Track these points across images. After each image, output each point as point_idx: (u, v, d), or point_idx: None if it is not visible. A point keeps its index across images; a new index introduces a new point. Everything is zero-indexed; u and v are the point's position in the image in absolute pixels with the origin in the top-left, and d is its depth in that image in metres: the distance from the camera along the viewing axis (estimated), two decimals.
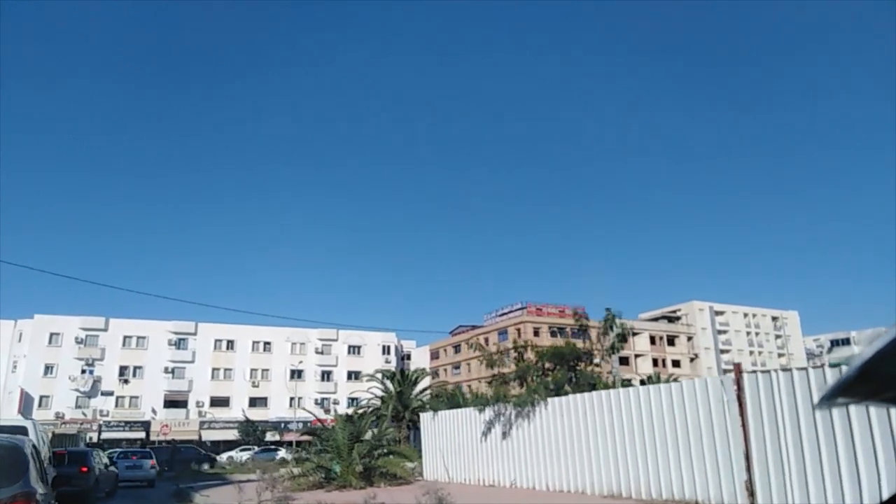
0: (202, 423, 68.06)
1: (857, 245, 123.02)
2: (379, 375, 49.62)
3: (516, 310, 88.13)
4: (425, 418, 19.34)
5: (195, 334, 71.70)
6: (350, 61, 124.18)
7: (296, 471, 17.62)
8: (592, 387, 13.71)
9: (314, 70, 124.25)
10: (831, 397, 0.86)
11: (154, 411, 66.47)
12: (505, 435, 15.15)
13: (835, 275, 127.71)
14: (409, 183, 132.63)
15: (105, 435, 63.73)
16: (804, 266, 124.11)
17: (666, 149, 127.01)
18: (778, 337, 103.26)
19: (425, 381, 49.61)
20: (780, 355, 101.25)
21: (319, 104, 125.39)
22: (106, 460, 22.81)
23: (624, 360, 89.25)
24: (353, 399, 74.91)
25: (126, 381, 67.55)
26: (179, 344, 70.97)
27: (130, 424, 65.83)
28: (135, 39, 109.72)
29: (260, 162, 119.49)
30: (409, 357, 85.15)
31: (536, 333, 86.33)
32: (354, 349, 78.63)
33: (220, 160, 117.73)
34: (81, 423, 63.40)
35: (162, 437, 56.26)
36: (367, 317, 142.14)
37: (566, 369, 14.60)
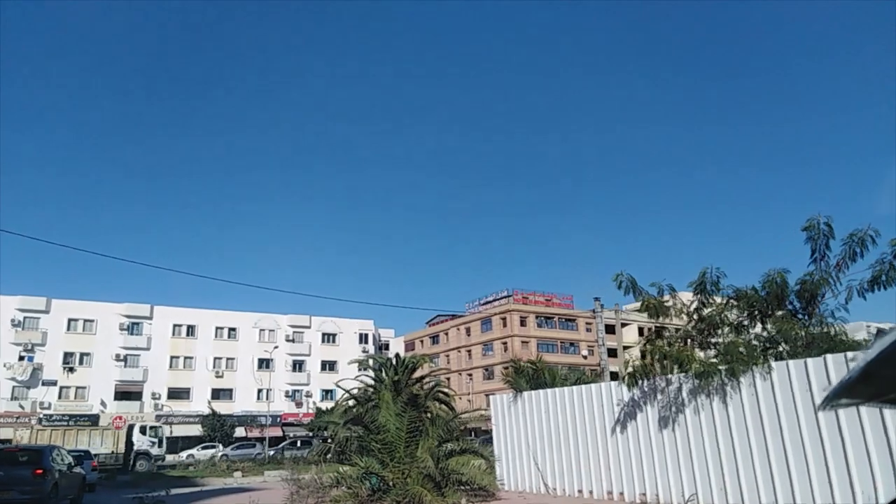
0: (159, 417, 60.75)
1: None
2: (370, 361, 44.05)
3: (502, 297, 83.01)
4: (500, 403, 13.78)
5: (151, 318, 64.30)
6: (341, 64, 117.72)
7: (326, 478, 11.82)
8: (827, 348, 8.48)
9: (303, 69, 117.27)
10: (834, 398, 0.86)
11: (103, 404, 58.92)
12: (667, 422, 9.80)
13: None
14: (389, 174, 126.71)
15: (46, 430, 56.06)
16: (783, 258, 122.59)
17: (656, 143, 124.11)
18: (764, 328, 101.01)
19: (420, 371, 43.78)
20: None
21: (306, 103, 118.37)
22: (70, 459, 18.27)
23: (612, 353, 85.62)
24: (327, 391, 68.83)
25: (71, 370, 59.78)
26: (133, 329, 63.48)
27: (76, 418, 58.05)
28: (134, 42, 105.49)
29: (238, 158, 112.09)
30: (387, 346, 79.25)
31: (523, 323, 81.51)
32: (329, 337, 72.27)
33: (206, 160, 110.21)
34: (18, 417, 55.70)
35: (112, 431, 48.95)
36: (343, 305, 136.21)
37: (780, 319, 9.31)
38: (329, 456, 11.50)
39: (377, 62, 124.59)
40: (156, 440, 40.71)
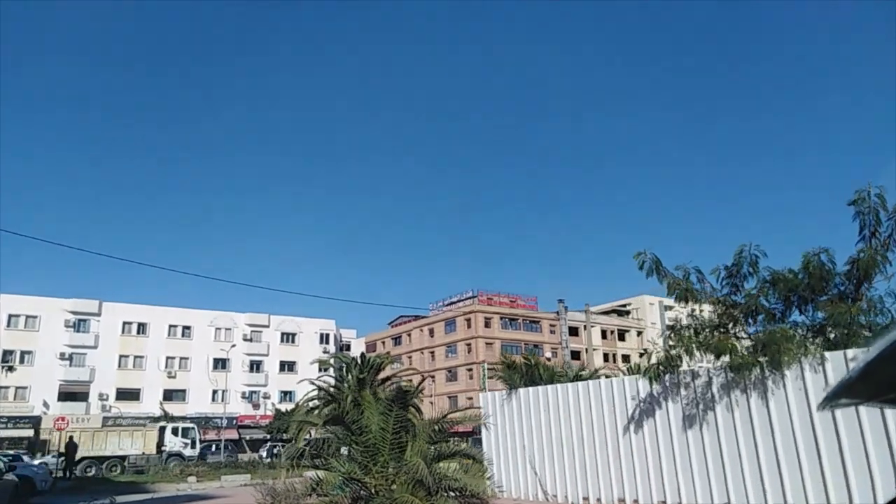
0: (106, 419, 57.53)
1: (785, 246, 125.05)
2: (333, 361, 42.40)
3: (466, 298, 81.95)
4: (491, 402, 12.52)
5: (99, 315, 60.98)
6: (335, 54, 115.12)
7: (298, 485, 10.34)
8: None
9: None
10: (834, 398, 0.87)
11: (46, 405, 55.44)
12: (693, 421, 8.69)
13: None
14: (354, 172, 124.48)
15: None
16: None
17: (615, 145, 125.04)
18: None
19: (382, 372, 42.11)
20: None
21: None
22: (1, 465, 16.84)
23: (575, 355, 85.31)
24: (286, 393, 66.47)
25: (11, 369, 55.82)
26: (79, 326, 60.06)
27: (15, 420, 54.55)
28: (141, 31, 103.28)
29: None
30: (348, 347, 77.16)
31: (488, 324, 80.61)
32: (288, 337, 69.90)
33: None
34: None
35: (55, 436, 45.84)
36: (304, 304, 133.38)
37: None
38: (303, 460, 9.99)
39: (349, 52, 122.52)
40: (188, 441, 40.23)
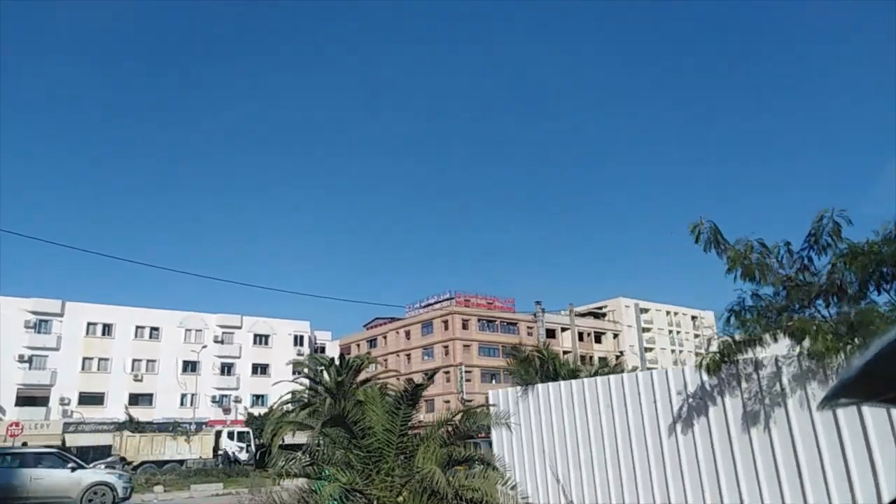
0: (67, 424, 54.70)
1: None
2: (310, 363, 40.54)
3: (444, 300, 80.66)
4: (503, 399, 11.12)
5: (61, 315, 58.10)
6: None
7: (286, 495, 8.82)
8: None
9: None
10: (833, 397, 0.88)
11: (2, 410, 52.46)
12: (757, 419, 7.34)
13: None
14: (330, 172, 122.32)
15: None
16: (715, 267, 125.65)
17: (595, 149, 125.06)
18: (696, 336, 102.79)
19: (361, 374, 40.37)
20: (697, 354, 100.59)
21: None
22: None
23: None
24: (258, 396, 64.18)
25: None
26: (40, 326, 57.13)
27: None
28: (141, 31, 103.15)
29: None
30: (323, 350, 74.99)
31: (465, 326, 79.37)
32: (261, 339, 67.63)
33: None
34: None
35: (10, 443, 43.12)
36: (277, 305, 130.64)
37: None
38: (292, 466, 8.46)
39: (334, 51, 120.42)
40: (243, 445, 40.59)
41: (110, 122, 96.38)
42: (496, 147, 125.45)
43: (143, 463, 34.32)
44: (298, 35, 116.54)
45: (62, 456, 20.13)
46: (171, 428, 56.77)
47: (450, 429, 8.92)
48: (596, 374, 11.46)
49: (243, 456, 40.21)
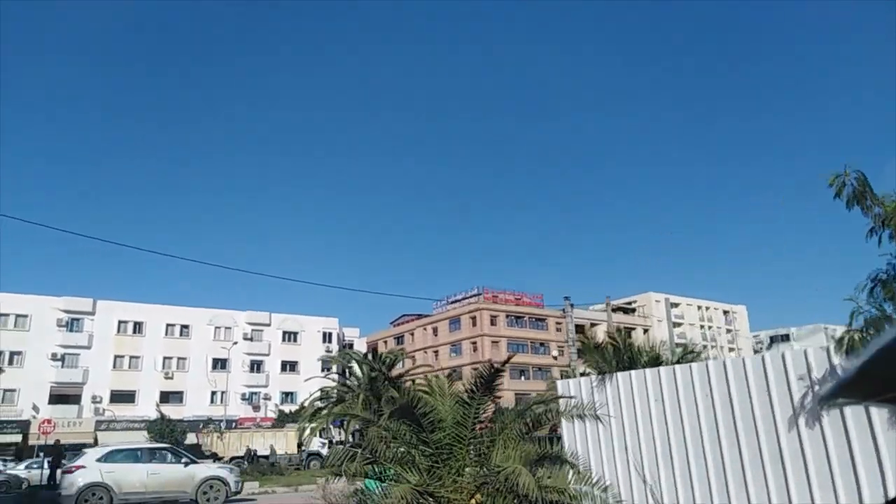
0: (99, 422, 54.78)
1: (797, 245, 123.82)
2: (342, 358, 39.74)
3: (471, 296, 79.38)
4: (575, 387, 10.00)
5: (93, 314, 58.20)
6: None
7: (341, 498, 7.80)
8: None
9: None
10: (831, 397, 0.89)
11: (36, 409, 52.61)
12: None
13: (777, 273, 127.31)
14: (360, 171, 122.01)
15: None
16: (750, 262, 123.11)
17: (628, 146, 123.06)
18: (728, 331, 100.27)
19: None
20: (730, 349, 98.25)
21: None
22: None
23: (582, 353, 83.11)
24: (288, 394, 63.75)
25: None
26: (72, 325, 57.28)
27: (2, 425, 51.79)
28: (141, 31, 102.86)
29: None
30: (351, 346, 74.43)
31: (493, 322, 78.05)
32: (290, 336, 67.16)
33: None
34: None
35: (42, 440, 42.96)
36: (306, 302, 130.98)
37: None
38: (354, 465, 7.44)
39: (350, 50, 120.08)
40: (325, 441, 40.95)
41: (111, 122, 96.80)
42: (504, 146, 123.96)
43: (232, 458, 34.92)
44: (298, 35, 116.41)
45: (175, 451, 20.40)
46: (202, 425, 56.64)
47: (528, 421, 7.81)
48: (678, 361, 10.30)
49: (327, 452, 40.71)
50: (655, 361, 10.36)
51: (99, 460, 17.32)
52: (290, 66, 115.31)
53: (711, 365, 8.28)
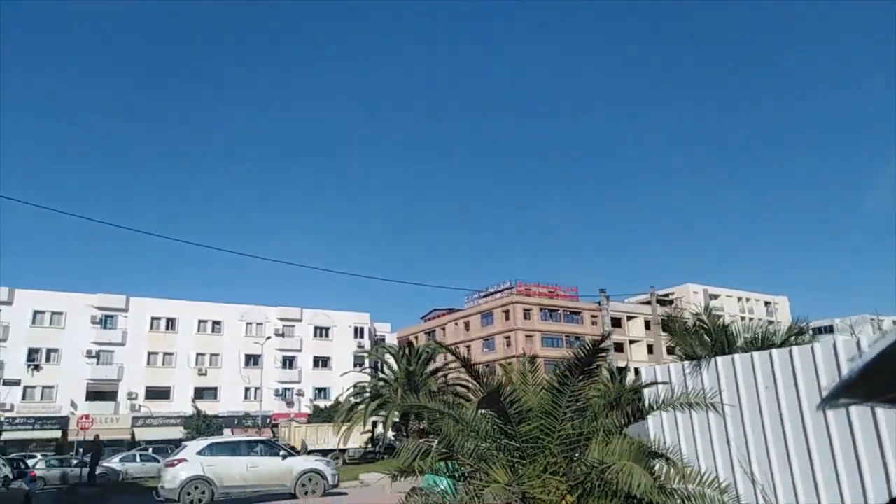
0: (136, 418, 54.98)
1: (841, 237, 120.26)
2: (377, 352, 39.06)
3: (504, 289, 78.01)
4: (662, 374, 8.86)
5: (126, 310, 58.37)
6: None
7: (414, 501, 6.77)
8: None
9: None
10: (833, 398, 0.90)
11: (74, 405, 52.92)
12: None
13: (820, 263, 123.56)
14: (387, 168, 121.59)
15: (8, 435, 50.11)
16: (792, 253, 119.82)
17: (663, 137, 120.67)
18: (770, 323, 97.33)
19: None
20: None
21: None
22: (7, 471, 13.82)
23: (618, 347, 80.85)
24: (321, 389, 63.32)
25: (37, 368, 53.73)
26: (106, 322, 57.52)
27: (42, 421, 52.24)
28: (141, 31, 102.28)
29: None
30: (383, 341, 73.79)
31: (527, 316, 76.66)
32: (321, 331, 66.68)
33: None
34: None
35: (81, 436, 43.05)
36: (337, 297, 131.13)
37: None
38: (428, 460, 6.42)
39: (368, 52, 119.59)
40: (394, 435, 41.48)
41: (110, 124, 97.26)
42: (536, 138, 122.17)
43: (309, 452, 35.46)
44: (298, 35, 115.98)
45: (273, 444, 20.25)
46: (237, 421, 56.53)
47: (629, 410, 6.70)
48: (782, 344, 9.07)
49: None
50: (759, 345, 9.16)
51: (199, 453, 17.14)
52: (291, 65, 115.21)
53: (841, 342, 7.07)
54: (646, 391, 8.63)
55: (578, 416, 6.76)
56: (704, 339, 9.86)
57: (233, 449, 17.85)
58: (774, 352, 7.78)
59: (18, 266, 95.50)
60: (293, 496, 17.66)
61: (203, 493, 16.58)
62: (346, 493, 18.71)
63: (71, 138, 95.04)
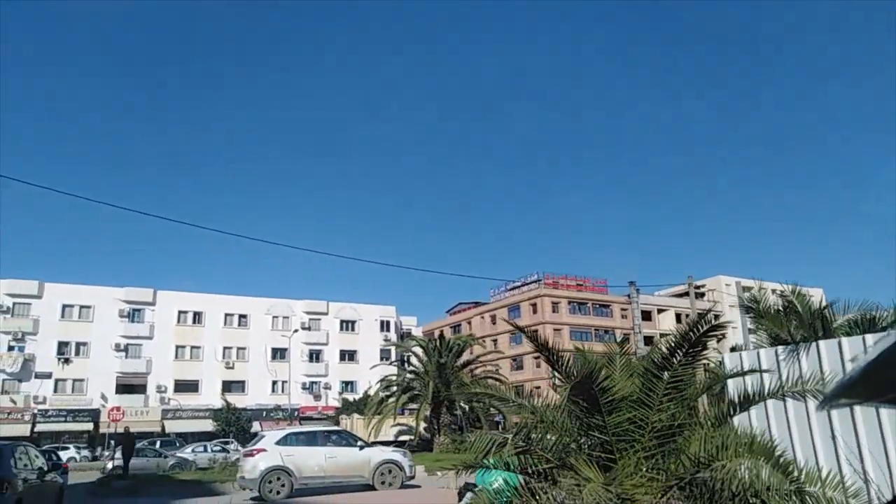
0: (166, 411, 55.10)
1: (880, 227, 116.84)
2: (410, 343, 38.48)
3: (531, 282, 76.81)
4: (749, 360, 7.94)
5: (153, 304, 58.52)
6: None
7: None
8: None
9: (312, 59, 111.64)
10: (834, 398, 0.90)
11: (104, 398, 53.22)
12: None
13: (857, 255, 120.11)
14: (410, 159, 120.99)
15: (41, 427, 50.59)
16: (827, 244, 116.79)
17: (693, 127, 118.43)
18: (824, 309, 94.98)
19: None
20: None
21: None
22: (42, 462, 13.16)
23: (648, 340, 79.50)
24: (347, 383, 62.96)
25: (67, 361, 54.10)
26: (134, 315, 57.71)
27: (74, 413, 52.62)
28: (141, 31, 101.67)
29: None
30: (409, 335, 73.33)
31: (555, 309, 75.38)
32: (348, 325, 66.26)
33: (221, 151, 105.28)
34: (10, 413, 50.21)
35: (112, 428, 43.07)
36: (362, 290, 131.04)
37: None
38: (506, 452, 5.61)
39: (382, 48, 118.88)
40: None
41: (110, 124, 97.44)
42: (559, 129, 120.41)
43: (371, 444, 35.43)
44: (298, 35, 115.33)
45: (348, 433, 19.83)
46: (265, 414, 56.41)
47: (736, 399, 5.81)
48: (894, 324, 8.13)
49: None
50: (860, 327, 8.19)
51: (277, 443, 16.77)
52: (291, 65, 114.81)
53: None
54: (730, 381, 7.74)
55: (675, 405, 5.89)
56: (789, 322, 8.94)
57: (310, 439, 17.48)
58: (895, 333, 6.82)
59: (46, 259, 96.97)
60: (371, 488, 17.06)
61: (283, 484, 16.22)
62: (419, 487, 17.93)
63: (71, 138, 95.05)
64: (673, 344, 5.47)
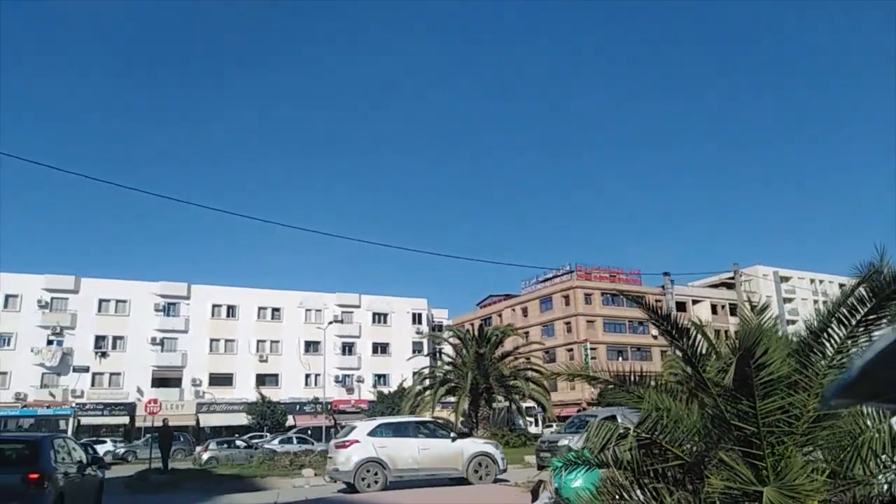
0: (201, 404, 55.19)
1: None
2: (446, 334, 37.71)
3: (563, 274, 75.34)
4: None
5: (188, 298, 58.63)
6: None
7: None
8: None
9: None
10: (832, 398, 0.90)
11: (140, 391, 53.46)
12: None
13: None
14: (435, 150, 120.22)
15: (79, 420, 51.04)
16: (867, 230, 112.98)
17: (730, 115, 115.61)
18: None
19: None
20: None
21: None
22: (82, 456, 12.61)
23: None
24: (380, 376, 62.50)
25: (104, 355, 54.47)
26: (169, 310, 57.87)
27: (111, 407, 52.99)
28: (141, 31, 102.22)
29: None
30: (440, 328, 72.57)
31: (588, 301, 73.85)
32: (380, 317, 65.74)
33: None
34: (48, 406, 50.72)
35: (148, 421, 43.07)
36: (394, 283, 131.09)
37: None
38: (629, 449, 4.55)
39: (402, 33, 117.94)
40: (531, 420, 41.43)
41: (110, 124, 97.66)
42: (606, 123, 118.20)
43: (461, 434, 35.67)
44: (298, 35, 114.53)
45: (441, 425, 19.41)
46: (299, 408, 56.24)
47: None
48: None
49: (534, 430, 39.70)
50: None
51: (370, 434, 16.17)
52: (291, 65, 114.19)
53: None
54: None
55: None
56: None
57: (402, 429, 16.86)
58: None
59: (82, 254, 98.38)
60: (465, 481, 16.19)
61: (376, 476, 15.65)
62: (508, 481, 16.75)
63: (71, 138, 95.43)
64: (849, 307, 4.42)
